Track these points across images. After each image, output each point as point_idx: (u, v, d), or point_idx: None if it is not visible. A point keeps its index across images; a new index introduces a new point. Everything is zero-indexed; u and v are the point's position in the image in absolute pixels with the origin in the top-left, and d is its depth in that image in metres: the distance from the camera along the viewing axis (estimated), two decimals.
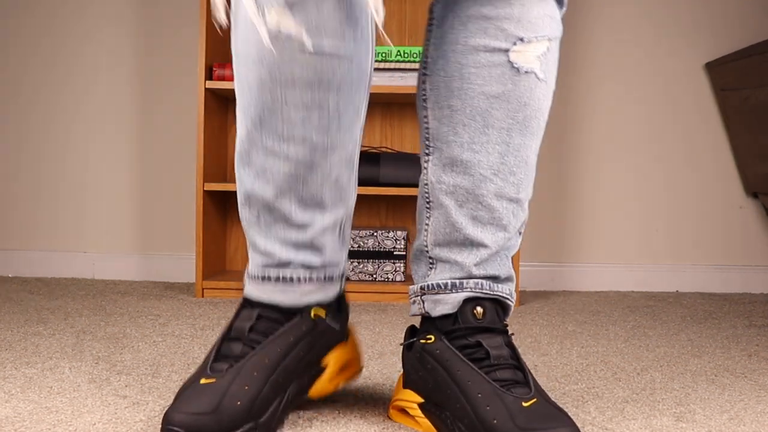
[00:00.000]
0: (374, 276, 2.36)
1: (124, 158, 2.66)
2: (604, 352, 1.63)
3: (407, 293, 1.18)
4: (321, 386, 1.15)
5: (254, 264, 1.11)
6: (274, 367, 1.05)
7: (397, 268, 2.37)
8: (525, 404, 1.01)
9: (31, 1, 2.65)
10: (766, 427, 1.14)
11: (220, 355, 1.06)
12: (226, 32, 2.55)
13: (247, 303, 1.11)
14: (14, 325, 1.79)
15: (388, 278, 2.37)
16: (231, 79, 2.32)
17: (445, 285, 1.10)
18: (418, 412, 1.11)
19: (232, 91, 2.37)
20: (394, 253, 2.38)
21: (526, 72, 1.07)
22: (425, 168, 1.12)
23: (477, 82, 1.07)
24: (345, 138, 1.07)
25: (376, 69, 2.35)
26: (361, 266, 2.36)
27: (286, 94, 1.01)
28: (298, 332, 1.09)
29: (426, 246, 1.13)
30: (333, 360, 1.16)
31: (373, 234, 2.36)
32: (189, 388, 1.01)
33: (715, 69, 2.59)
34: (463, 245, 1.10)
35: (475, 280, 1.09)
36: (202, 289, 2.30)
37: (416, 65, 2.35)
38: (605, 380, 1.40)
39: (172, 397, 1.25)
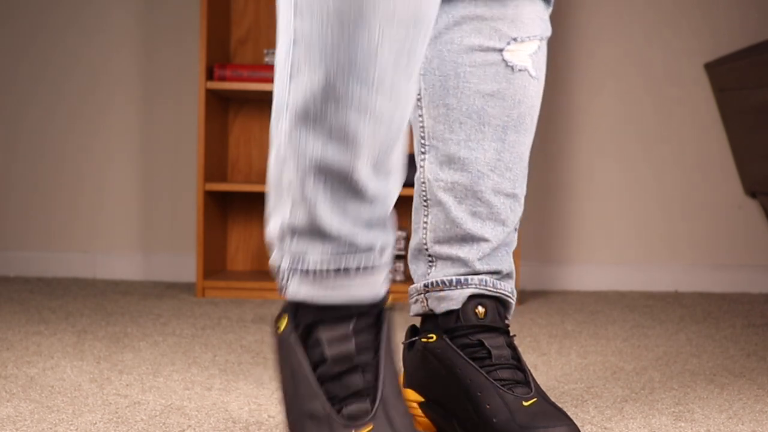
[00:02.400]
0: None
1: (125, 158, 2.66)
2: (603, 352, 1.63)
3: (407, 293, 1.16)
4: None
5: (320, 254, 0.88)
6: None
7: (397, 268, 2.37)
8: (525, 403, 1.02)
9: (31, 2, 2.65)
10: (765, 426, 1.15)
11: (342, 398, 0.88)
12: (226, 33, 2.55)
13: (315, 310, 0.90)
14: (15, 325, 1.80)
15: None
16: (231, 79, 2.33)
17: (450, 281, 1.10)
18: (419, 412, 1.12)
19: (233, 91, 2.37)
20: (395, 253, 2.38)
21: (520, 70, 1.09)
22: (421, 166, 1.12)
23: (472, 80, 1.08)
24: (414, 91, 0.90)
25: None
26: None
27: (383, 32, 0.83)
28: (391, 341, 0.92)
29: (425, 244, 1.12)
30: None
31: None
32: None
33: (715, 69, 2.60)
34: (464, 240, 1.10)
35: (480, 276, 1.09)
36: (203, 288, 2.30)
37: None
38: (604, 380, 1.40)
39: (173, 397, 1.25)
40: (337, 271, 0.88)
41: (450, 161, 1.10)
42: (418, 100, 1.11)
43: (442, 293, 1.10)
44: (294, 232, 0.89)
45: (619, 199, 2.67)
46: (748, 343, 1.74)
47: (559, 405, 1.20)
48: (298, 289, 0.89)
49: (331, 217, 0.87)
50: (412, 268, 1.16)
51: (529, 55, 1.10)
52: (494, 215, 1.10)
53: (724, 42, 2.64)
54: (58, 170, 2.67)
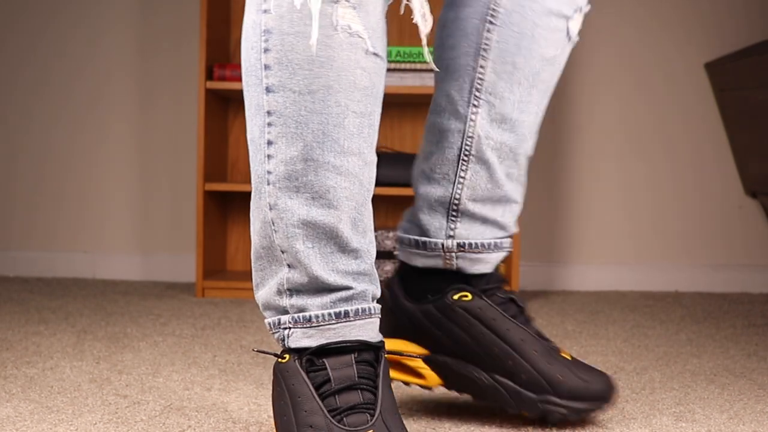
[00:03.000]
0: None
1: (125, 158, 2.66)
2: (603, 352, 1.63)
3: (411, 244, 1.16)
4: None
5: (320, 304, 0.95)
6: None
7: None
8: (569, 359, 1.10)
9: (32, 2, 2.65)
10: (765, 427, 1.15)
11: (342, 410, 0.93)
12: (226, 33, 2.55)
13: (317, 354, 0.95)
14: (15, 325, 1.79)
15: (388, 278, 2.37)
16: (231, 79, 2.33)
17: (488, 244, 1.11)
18: (421, 364, 1.11)
19: (232, 91, 2.37)
20: (394, 252, 2.38)
21: (573, 40, 1.11)
22: (472, 120, 1.09)
23: (542, 44, 1.08)
24: (374, 153, 0.99)
25: None
26: None
27: (348, 102, 0.92)
28: (388, 376, 0.97)
29: (457, 199, 1.11)
30: None
31: None
32: None
33: (715, 69, 2.59)
34: (500, 202, 1.11)
35: (509, 239, 1.14)
36: (203, 288, 2.30)
37: (415, 65, 2.36)
38: None
39: (173, 397, 1.25)
40: (338, 315, 0.95)
41: (503, 120, 1.09)
42: (484, 50, 1.09)
43: (479, 255, 1.11)
44: (292, 290, 0.96)
45: (619, 199, 2.67)
46: (748, 344, 1.74)
47: None
48: (301, 340, 0.96)
49: (326, 272, 0.94)
50: (422, 218, 1.13)
51: (579, 26, 1.12)
52: (520, 177, 1.13)
53: (724, 42, 2.64)
54: (57, 170, 2.67)
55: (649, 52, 2.66)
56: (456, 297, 1.10)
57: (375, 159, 0.97)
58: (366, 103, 0.94)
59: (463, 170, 1.10)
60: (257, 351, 1.01)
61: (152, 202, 2.67)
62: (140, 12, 2.65)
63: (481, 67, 1.09)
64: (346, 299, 0.95)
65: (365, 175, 0.95)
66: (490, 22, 1.08)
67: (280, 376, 0.96)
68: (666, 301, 2.39)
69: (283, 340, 0.97)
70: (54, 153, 2.66)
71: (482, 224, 1.11)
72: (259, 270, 0.99)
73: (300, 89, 0.91)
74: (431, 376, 1.11)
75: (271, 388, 1.31)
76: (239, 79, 2.33)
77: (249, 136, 0.97)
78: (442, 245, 1.12)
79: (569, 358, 1.10)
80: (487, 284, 1.12)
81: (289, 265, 0.95)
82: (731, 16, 2.66)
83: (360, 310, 0.96)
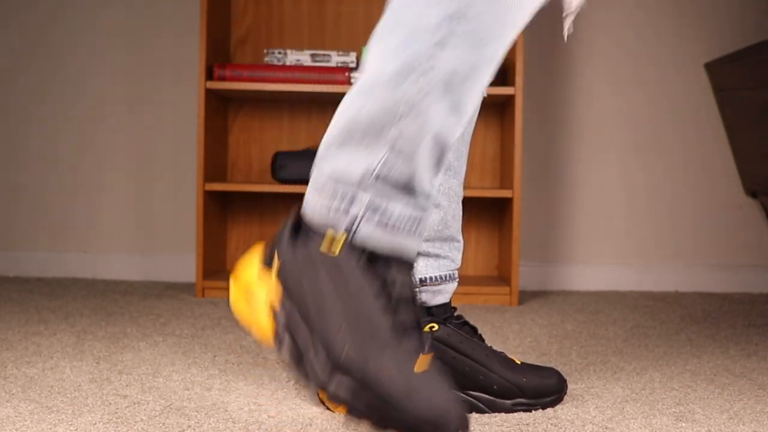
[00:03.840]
0: None
1: (125, 158, 2.66)
2: (603, 352, 1.63)
3: None
4: None
5: (404, 205, 0.91)
6: None
7: None
8: (521, 363, 1.24)
9: (32, 2, 2.65)
10: (765, 427, 1.15)
11: (398, 329, 0.90)
12: (226, 33, 2.55)
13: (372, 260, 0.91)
14: (15, 325, 1.79)
15: None
16: (231, 79, 2.32)
17: (444, 277, 1.24)
18: None
19: (233, 91, 2.37)
20: None
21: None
22: None
23: None
24: None
25: None
26: None
27: (512, 37, 0.93)
28: None
29: None
30: None
31: None
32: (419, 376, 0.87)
33: (715, 69, 2.60)
34: (447, 240, 1.25)
35: (457, 271, 1.28)
36: (203, 288, 2.30)
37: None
38: (605, 380, 1.40)
39: (173, 397, 1.25)
40: (414, 221, 0.91)
41: (448, 168, 1.25)
42: None
43: (438, 287, 1.24)
44: (381, 177, 0.89)
45: (619, 199, 2.67)
46: (748, 344, 1.74)
47: (559, 407, 1.24)
48: (371, 234, 0.89)
49: (426, 177, 0.91)
50: None
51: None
52: (460, 218, 1.28)
53: (724, 42, 2.64)
54: (57, 170, 2.67)
55: (649, 52, 2.66)
56: (426, 329, 1.22)
57: None
58: (519, 30, 0.93)
59: None
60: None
61: (152, 202, 2.67)
62: (140, 12, 2.65)
63: None
64: (421, 208, 0.92)
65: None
66: None
67: (333, 268, 0.88)
68: (666, 301, 2.39)
69: (348, 228, 0.89)
70: (54, 153, 2.66)
71: (435, 259, 1.25)
72: (343, 144, 0.91)
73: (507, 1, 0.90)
74: None
75: (270, 388, 1.31)
76: (239, 79, 2.33)
77: (414, 19, 0.90)
78: None
79: (520, 363, 1.24)
80: (446, 313, 1.24)
81: (392, 156, 0.89)
82: (731, 16, 2.66)
83: (422, 226, 0.93)
